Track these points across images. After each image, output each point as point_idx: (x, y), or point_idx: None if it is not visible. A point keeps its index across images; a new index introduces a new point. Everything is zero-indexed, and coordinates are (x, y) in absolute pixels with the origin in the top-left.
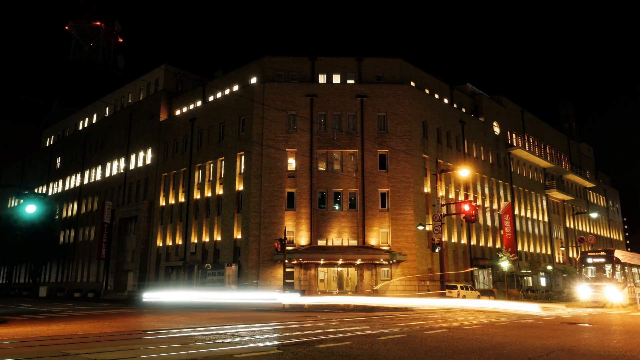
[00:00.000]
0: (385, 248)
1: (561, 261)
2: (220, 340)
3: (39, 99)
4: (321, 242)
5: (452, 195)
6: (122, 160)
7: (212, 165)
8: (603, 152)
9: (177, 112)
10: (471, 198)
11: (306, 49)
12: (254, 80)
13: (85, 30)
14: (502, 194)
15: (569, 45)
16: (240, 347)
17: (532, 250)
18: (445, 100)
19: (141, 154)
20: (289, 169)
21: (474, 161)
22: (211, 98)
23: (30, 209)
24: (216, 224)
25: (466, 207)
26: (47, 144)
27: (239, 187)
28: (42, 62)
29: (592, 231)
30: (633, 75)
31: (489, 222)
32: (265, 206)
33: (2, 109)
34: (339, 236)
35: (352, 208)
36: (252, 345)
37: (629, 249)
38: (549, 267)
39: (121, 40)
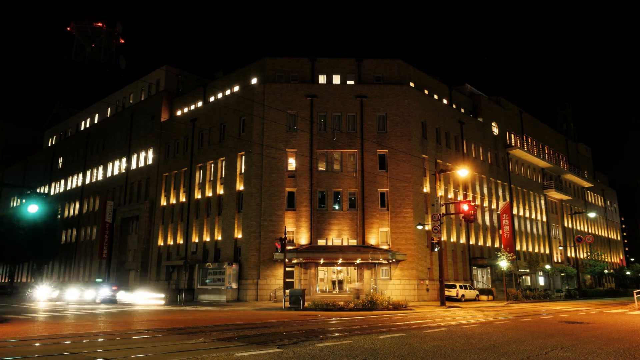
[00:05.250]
0: (385, 247)
1: (559, 260)
2: (220, 339)
3: (41, 99)
4: (321, 242)
5: (451, 195)
6: (124, 160)
7: (212, 165)
8: (601, 152)
9: (178, 113)
10: (470, 198)
11: (306, 50)
12: (254, 81)
13: (87, 31)
14: (500, 193)
15: (567, 46)
16: (240, 345)
17: (530, 249)
18: (444, 101)
19: (142, 154)
20: (289, 169)
21: (473, 161)
22: (212, 98)
23: (33, 209)
24: (217, 224)
25: (465, 207)
26: (49, 144)
27: (240, 187)
28: (44, 63)
29: (590, 231)
30: (631, 76)
31: (487, 222)
32: (265, 206)
33: (5, 109)
34: (338, 236)
35: (352, 208)
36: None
37: (626, 249)
38: (547, 267)
39: (122, 41)
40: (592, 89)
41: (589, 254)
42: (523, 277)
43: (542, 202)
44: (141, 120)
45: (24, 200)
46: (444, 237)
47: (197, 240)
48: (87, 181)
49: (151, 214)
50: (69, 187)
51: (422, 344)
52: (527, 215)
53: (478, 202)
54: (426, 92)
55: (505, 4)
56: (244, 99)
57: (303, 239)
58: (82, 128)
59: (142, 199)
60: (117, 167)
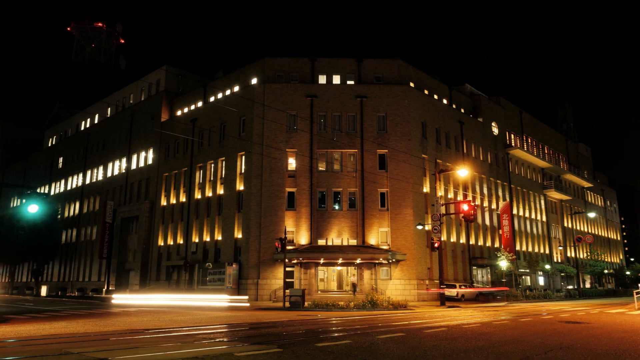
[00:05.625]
0: (385, 247)
1: (559, 260)
2: (221, 339)
3: (41, 99)
4: (321, 242)
5: (451, 195)
6: (124, 160)
7: (213, 165)
8: (601, 152)
9: (178, 113)
10: (470, 198)
11: (306, 50)
12: (254, 81)
13: (87, 31)
14: (500, 193)
15: (567, 46)
16: (240, 345)
17: (530, 249)
18: (444, 101)
19: (142, 154)
20: (289, 169)
21: (473, 161)
22: (212, 99)
23: (33, 209)
24: (217, 224)
25: (465, 207)
26: (50, 144)
27: (240, 187)
28: (45, 63)
29: (589, 230)
30: (631, 76)
31: (487, 222)
32: (265, 206)
33: (5, 109)
34: (338, 236)
35: (352, 208)
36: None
37: (626, 249)
38: (547, 267)
39: (123, 41)
40: (592, 89)
41: (588, 254)
42: (523, 277)
43: (542, 202)
44: (141, 120)
45: (24, 200)
46: (444, 237)
47: (197, 240)
48: (87, 181)
49: (151, 214)
50: (69, 187)
51: (422, 344)
52: (527, 215)
53: (478, 202)
54: (426, 92)
55: (505, 4)
56: (244, 99)
57: (303, 239)
58: (82, 128)
59: (142, 199)
60: (117, 167)
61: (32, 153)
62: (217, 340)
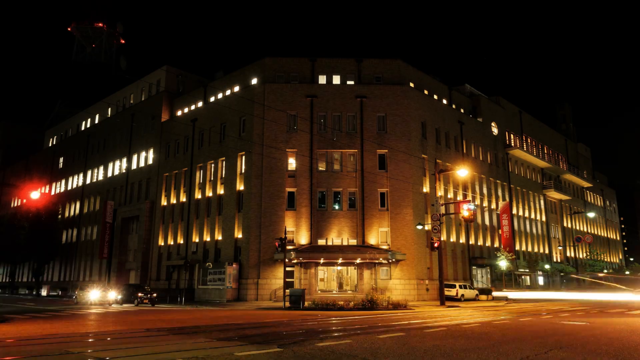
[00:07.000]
0: (385, 247)
1: (559, 260)
2: (220, 339)
3: (42, 99)
4: (321, 242)
5: (450, 195)
6: (124, 160)
7: (213, 165)
8: (600, 152)
9: (179, 113)
10: (470, 198)
11: (306, 50)
12: (254, 81)
13: (88, 31)
14: (500, 193)
15: (567, 46)
16: (240, 344)
17: (530, 249)
18: (444, 101)
19: (143, 154)
20: (289, 169)
21: (473, 161)
22: (212, 99)
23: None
24: (217, 224)
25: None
26: (50, 145)
27: (240, 186)
28: (45, 63)
29: (589, 230)
30: (631, 76)
31: (487, 222)
32: (265, 206)
33: (6, 109)
34: (338, 235)
35: (352, 208)
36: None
37: (626, 248)
38: (547, 266)
39: (123, 41)
40: (592, 89)
41: (588, 253)
42: (522, 276)
43: (542, 202)
44: (142, 120)
45: (24, 200)
46: (443, 237)
47: (197, 240)
48: (88, 181)
49: (151, 214)
50: (69, 187)
51: (422, 343)
52: (526, 215)
53: (478, 202)
54: (426, 92)
55: (504, 4)
56: (244, 99)
57: (303, 238)
58: (83, 128)
59: (142, 199)
60: (117, 167)
61: (33, 153)
62: (217, 339)
